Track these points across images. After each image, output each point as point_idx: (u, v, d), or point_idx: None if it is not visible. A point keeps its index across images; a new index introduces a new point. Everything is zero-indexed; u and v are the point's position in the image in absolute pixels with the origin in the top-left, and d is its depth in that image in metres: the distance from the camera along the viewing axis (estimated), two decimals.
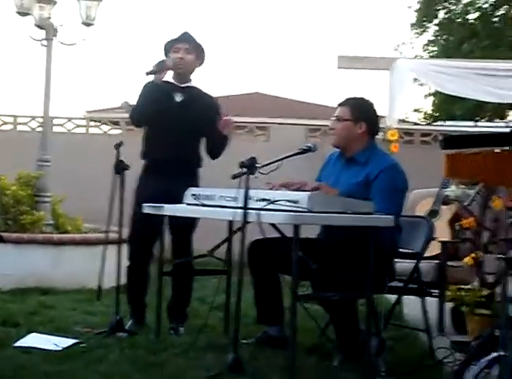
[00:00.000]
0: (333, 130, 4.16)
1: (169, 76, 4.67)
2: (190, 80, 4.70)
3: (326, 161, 4.36)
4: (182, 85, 4.64)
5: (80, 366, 3.52)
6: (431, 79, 8.22)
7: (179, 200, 4.16)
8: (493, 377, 3.08)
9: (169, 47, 4.65)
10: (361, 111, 4.13)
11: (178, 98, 4.62)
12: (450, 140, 2.54)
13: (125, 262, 4.63)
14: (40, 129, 7.51)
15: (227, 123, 4.55)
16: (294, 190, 3.68)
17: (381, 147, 5.04)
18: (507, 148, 2.47)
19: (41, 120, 7.50)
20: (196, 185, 4.54)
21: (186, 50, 4.61)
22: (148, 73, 4.51)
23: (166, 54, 4.66)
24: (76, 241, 6.60)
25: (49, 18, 7.01)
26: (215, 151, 4.70)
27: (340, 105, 4.20)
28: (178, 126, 4.53)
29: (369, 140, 4.14)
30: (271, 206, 3.44)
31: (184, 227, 4.47)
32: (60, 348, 3.88)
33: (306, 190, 3.64)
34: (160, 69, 4.51)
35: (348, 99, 4.21)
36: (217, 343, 4.09)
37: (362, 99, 4.23)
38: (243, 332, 4.27)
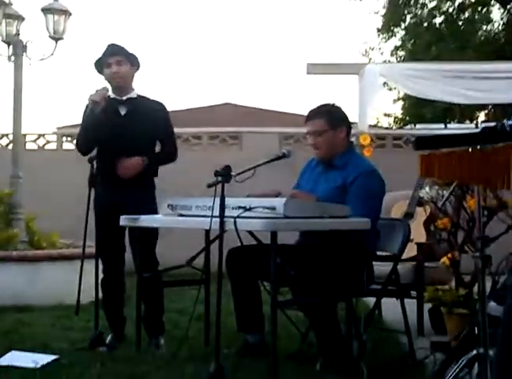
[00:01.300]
0: (315, 145, 4.13)
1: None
2: (132, 90, 4.63)
3: (305, 167, 4.37)
4: (124, 98, 4.59)
5: None
6: (400, 83, 8.29)
7: (136, 212, 4.19)
8: (473, 376, 3.09)
9: (100, 65, 4.58)
10: (336, 117, 4.14)
11: (123, 110, 4.58)
12: (423, 141, 2.56)
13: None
14: (11, 146, 7.44)
15: (124, 168, 4.48)
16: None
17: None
18: (478, 147, 2.50)
19: (12, 137, 7.44)
20: (152, 195, 4.57)
21: (117, 62, 4.52)
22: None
23: (100, 72, 4.59)
24: (52, 256, 6.55)
25: (17, 34, 6.97)
26: (168, 158, 4.69)
27: (309, 119, 4.16)
28: (127, 139, 4.48)
29: (347, 144, 4.16)
30: (247, 213, 3.44)
31: (148, 239, 4.43)
32: (39, 365, 3.84)
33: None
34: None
35: (315, 110, 4.17)
36: (199, 354, 4.08)
37: (330, 105, 4.23)
38: (224, 341, 4.25)
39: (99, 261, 4.54)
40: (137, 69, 4.66)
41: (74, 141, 9.81)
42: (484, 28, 19.40)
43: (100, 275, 4.55)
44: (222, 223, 3.44)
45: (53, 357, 4.03)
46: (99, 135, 4.48)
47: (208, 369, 3.49)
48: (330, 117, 4.11)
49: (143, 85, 4.74)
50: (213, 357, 3.51)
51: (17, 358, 3.99)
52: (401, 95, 21.10)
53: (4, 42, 6.99)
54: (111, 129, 4.49)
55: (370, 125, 11.33)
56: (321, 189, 4.03)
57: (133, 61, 4.61)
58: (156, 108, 4.63)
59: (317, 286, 3.68)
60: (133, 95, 4.61)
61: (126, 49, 4.59)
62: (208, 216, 3.57)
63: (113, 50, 4.56)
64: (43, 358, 3.98)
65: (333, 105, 4.22)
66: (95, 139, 4.52)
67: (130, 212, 4.23)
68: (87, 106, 4.50)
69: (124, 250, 4.62)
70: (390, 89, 20.45)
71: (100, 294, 4.55)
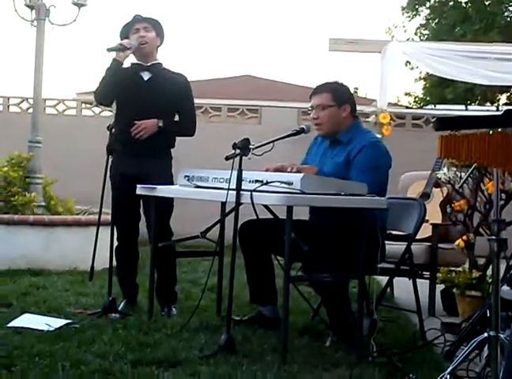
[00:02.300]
0: (318, 120, 4.11)
1: (133, 59, 4.64)
2: (156, 60, 4.65)
3: (311, 144, 4.36)
4: (148, 64, 4.62)
5: (73, 346, 3.52)
6: (422, 61, 8.21)
7: (152, 181, 4.23)
8: (483, 358, 3.10)
9: (126, 31, 4.61)
10: (342, 94, 4.12)
11: (146, 76, 4.60)
12: (444, 122, 2.54)
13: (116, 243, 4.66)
14: (31, 110, 7.46)
15: (139, 127, 4.47)
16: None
17: (371, 129, 5.06)
18: (500, 130, 2.48)
19: (32, 101, 7.45)
20: (169, 166, 4.58)
21: (145, 28, 4.57)
22: (109, 50, 4.47)
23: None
24: (67, 222, 6.58)
25: None
26: (185, 130, 4.69)
27: (316, 93, 4.14)
28: (148, 105, 4.50)
29: (352, 120, 4.14)
30: (264, 187, 3.45)
31: (163, 209, 4.42)
32: (53, 328, 3.89)
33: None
34: (122, 47, 4.47)
35: (322, 86, 4.15)
36: (210, 324, 4.11)
37: (337, 82, 4.21)
38: (236, 312, 4.29)
39: (114, 229, 4.57)
40: (162, 41, 4.68)
41: (94, 104, 9.91)
42: (511, 9, 19.16)
43: (115, 243, 4.59)
44: (238, 196, 3.45)
45: (65, 321, 4.07)
46: (119, 90, 4.50)
47: (219, 339, 3.53)
48: (336, 93, 4.09)
49: (165, 55, 4.75)
50: (224, 328, 3.54)
51: (30, 321, 4.03)
52: (423, 74, 20.99)
53: (27, 6, 6.98)
54: (132, 92, 4.52)
55: (390, 104, 11.28)
56: (327, 164, 4.03)
57: (158, 31, 4.64)
58: (178, 80, 4.64)
59: (329, 262, 3.68)
60: (156, 63, 4.63)
61: (153, 18, 4.65)
62: (224, 189, 3.57)
63: (140, 17, 4.62)
64: (56, 322, 4.02)
65: (341, 83, 4.21)
66: (114, 91, 4.51)
67: (147, 182, 4.25)
68: (112, 61, 4.50)
69: (139, 219, 4.65)
70: (412, 68, 20.35)
71: (114, 262, 4.58)
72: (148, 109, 4.49)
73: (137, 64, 4.63)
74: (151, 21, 4.63)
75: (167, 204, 4.43)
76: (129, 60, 4.64)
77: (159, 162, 4.55)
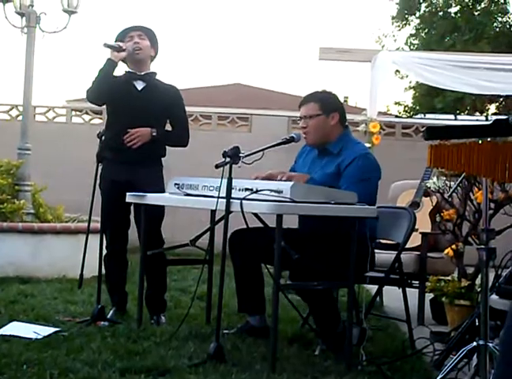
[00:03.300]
0: (306, 129, 4.11)
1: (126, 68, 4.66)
2: (149, 69, 4.66)
3: (299, 153, 4.37)
4: (142, 73, 4.62)
5: (62, 354, 3.50)
6: (412, 70, 8.25)
7: (143, 189, 4.23)
8: (472, 367, 3.11)
9: (120, 39, 4.60)
10: (330, 102, 4.13)
11: (140, 85, 4.60)
12: (434, 131, 2.55)
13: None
14: (21, 117, 7.44)
15: (132, 135, 4.47)
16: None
17: (359, 138, 5.07)
18: (489, 139, 2.49)
19: (22, 108, 7.43)
20: (160, 174, 4.58)
21: (139, 36, 4.59)
22: (105, 45, 4.48)
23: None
24: (56, 230, 6.56)
25: (31, 6, 6.94)
26: (179, 140, 4.70)
27: (303, 103, 4.15)
28: (141, 114, 4.50)
29: (341, 130, 4.14)
30: (254, 196, 3.45)
31: (153, 217, 4.42)
32: (41, 336, 3.87)
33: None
34: (118, 47, 4.48)
35: (310, 95, 4.17)
36: (199, 333, 4.10)
37: (325, 91, 4.23)
38: (225, 321, 4.29)
39: (104, 237, 4.56)
40: (156, 52, 4.70)
41: (84, 111, 9.90)
42: (500, 19, 19.30)
43: (104, 251, 4.58)
44: (228, 204, 3.45)
45: (54, 329, 4.05)
46: (111, 95, 4.50)
47: (208, 347, 3.52)
48: (324, 102, 4.10)
49: (156, 63, 4.76)
50: (214, 336, 3.53)
51: (19, 329, 4.01)
52: (413, 84, 21.08)
53: (18, 13, 6.96)
54: (126, 100, 4.52)
55: (380, 113, 11.32)
56: (316, 175, 4.02)
57: (153, 41, 4.66)
58: (171, 90, 4.66)
59: (317, 271, 3.69)
60: (150, 72, 4.64)
61: (149, 28, 4.68)
62: (214, 197, 3.57)
63: (136, 26, 4.65)
64: (44, 330, 4.00)
65: (329, 92, 4.23)
66: (107, 92, 4.50)
67: (137, 189, 4.25)
68: (106, 60, 4.49)
69: (129, 227, 4.64)
70: (402, 78, 20.44)
71: (103, 270, 4.57)
72: (141, 118, 4.49)
73: (130, 72, 4.63)
74: (145, 30, 4.65)
75: (158, 211, 4.42)
76: (123, 68, 4.65)
77: (149, 170, 4.55)
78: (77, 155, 8.92)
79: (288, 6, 48.78)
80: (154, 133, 4.48)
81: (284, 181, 3.74)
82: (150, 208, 4.20)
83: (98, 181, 4.51)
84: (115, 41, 4.62)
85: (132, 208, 4.54)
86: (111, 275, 4.68)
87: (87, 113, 10.22)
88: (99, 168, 4.50)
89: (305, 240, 3.86)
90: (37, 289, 5.54)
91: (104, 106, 4.82)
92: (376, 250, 4.13)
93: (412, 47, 20.24)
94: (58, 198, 7.39)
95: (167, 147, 4.68)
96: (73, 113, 10.37)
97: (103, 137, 4.45)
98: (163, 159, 4.67)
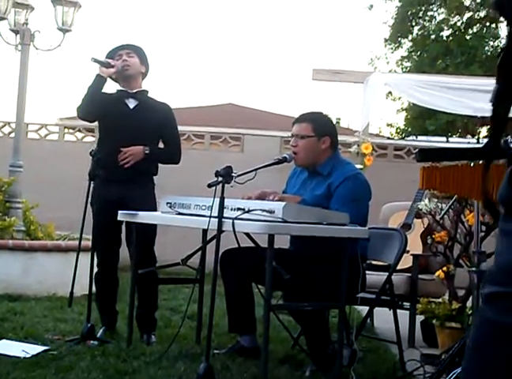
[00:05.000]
0: (296, 148, 4.10)
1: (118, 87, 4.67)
2: (141, 86, 4.68)
3: (291, 174, 4.37)
4: (134, 91, 4.64)
5: (50, 374, 3.49)
6: (405, 92, 8.28)
7: (134, 208, 4.23)
8: None
9: (111, 57, 4.62)
10: (323, 126, 4.14)
11: (132, 104, 4.62)
12: (426, 153, 2.57)
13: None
14: (13, 134, 7.43)
15: (125, 154, 4.48)
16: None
17: (351, 159, 5.08)
18: (481, 162, 2.51)
19: (14, 126, 7.43)
20: (152, 192, 4.59)
21: (127, 54, 4.62)
22: (93, 60, 4.49)
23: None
24: (47, 247, 6.53)
25: (25, 23, 6.96)
26: (171, 157, 4.71)
27: (297, 122, 4.15)
28: (134, 132, 4.51)
29: (331, 153, 4.15)
30: (246, 215, 3.45)
31: (146, 235, 4.42)
32: (29, 355, 3.84)
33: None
34: (107, 63, 4.50)
35: (305, 115, 4.17)
36: (189, 353, 4.08)
37: (320, 113, 4.24)
38: (216, 341, 4.27)
39: (94, 255, 4.54)
40: (147, 69, 4.71)
41: (76, 129, 9.89)
42: (491, 43, 19.44)
43: (95, 269, 4.56)
44: (220, 224, 3.44)
45: (43, 347, 4.02)
46: (103, 113, 4.51)
47: (198, 368, 3.50)
48: (317, 124, 4.10)
49: (148, 82, 4.77)
50: (204, 356, 3.52)
51: (7, 347, 3.98)
52: (405, 106, 21.17)
53: (12, 31, 6.98)
54: (118, 119, 4.53)
55: (372, 134, 11.36)
56: (306, 196, 4.02)
57: (142, 57, 4.68)
58: (163, 108, 4.68)
59: (309, 291, 3.68)
60: (142, 90, 4.66)
61: (138, 46, 4.71)
62: (206, 216, 3.57)
63: (125, 45, 4.67)
64: (33, 349, 3.97)
65: (324, 114, 4.24)
66: (98, 108, 4.51)
67: (129, 208, 4.25)
68: (95, 76, 4.51)
69: (120, 245, 4.63)
70: (394, 100, 20.54)
71: (94, 288, 4.55)
72: (133, 137, 4.50)
73: (121, 90, 4.64)
74: (134, 48, 4.67)
75: (150, 230, 4.42)
76: (115, 87, 4.66)
77: (141, 188, 4.55)
78: (69, 172, 8.90)
79: (281, 27, 49.09)
80: (147, 151, 4.49)
81: (276, 201, 3.75)
82: (142, 226, 4.20)
83: (90, 200, 4.51)
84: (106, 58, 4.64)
85: (123, 226, 4.54)
86: (102, 293, 4.67)
87: (79, 130, 10.21)
88: (91, 186, 4.50)
89: (296, 260, 3.85)
90: (27, 307, 5.51)
91: (97, 124, 4.84)
92: (367, 271, 4.12)
93: (404, 70, 20.35)
94: (50, 216, 7.36)
95: (159, 165, 4.70)
96: (66, 130, 10.36)
97: (95, 155, 4.45)
98: (155, 177, 4.68)
